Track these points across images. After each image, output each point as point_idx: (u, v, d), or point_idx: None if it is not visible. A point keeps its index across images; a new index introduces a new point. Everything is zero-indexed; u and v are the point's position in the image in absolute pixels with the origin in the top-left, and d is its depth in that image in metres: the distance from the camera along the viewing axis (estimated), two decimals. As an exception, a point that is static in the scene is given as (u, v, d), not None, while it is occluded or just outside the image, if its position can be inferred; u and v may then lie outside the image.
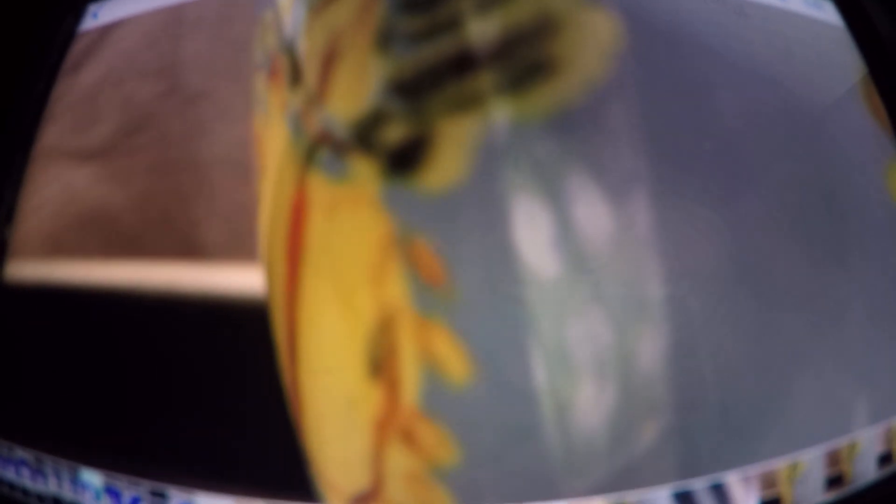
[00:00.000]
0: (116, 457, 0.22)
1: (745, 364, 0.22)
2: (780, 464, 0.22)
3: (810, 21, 0.25)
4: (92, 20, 0.26)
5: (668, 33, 0.24)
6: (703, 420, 0.22)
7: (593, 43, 0.23)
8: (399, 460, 0.22)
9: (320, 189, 0.22)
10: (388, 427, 0.21)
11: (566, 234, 0.22)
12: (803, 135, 0.24)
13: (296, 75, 0.24)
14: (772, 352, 0.22)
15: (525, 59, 0.23)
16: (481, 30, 0.23)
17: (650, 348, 0.21)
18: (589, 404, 0.21)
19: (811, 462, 0.22)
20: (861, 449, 0.23)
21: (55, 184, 0.24)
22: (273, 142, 0.23)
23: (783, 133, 0.24)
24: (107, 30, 0.26)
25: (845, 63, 0.25)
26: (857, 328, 0.23)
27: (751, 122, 0.24)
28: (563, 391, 0.21)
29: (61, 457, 0.23)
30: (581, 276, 0.22)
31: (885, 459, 0.23)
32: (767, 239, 0.23)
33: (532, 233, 0.22)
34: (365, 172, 0.22)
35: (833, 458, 0.22)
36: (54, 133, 0.25)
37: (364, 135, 0.23)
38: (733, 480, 0.22)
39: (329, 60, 0.23)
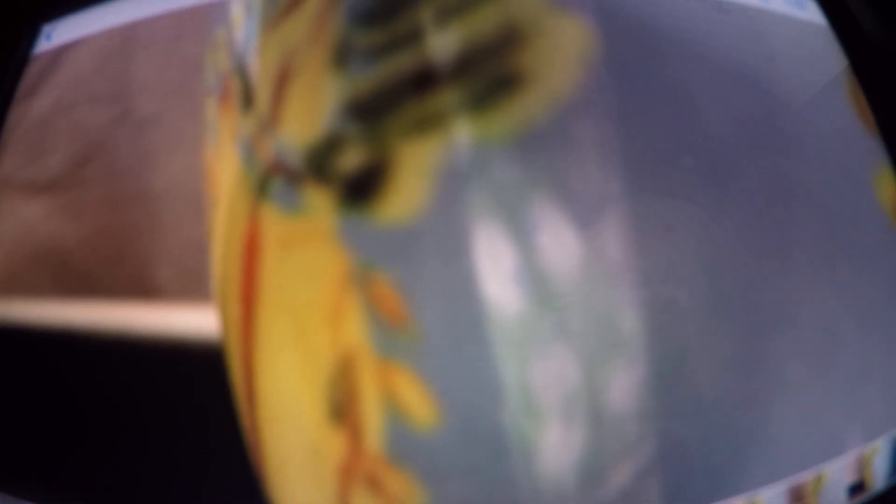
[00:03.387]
0: (63, 498, 0.21)
1: (723, 395, 0.21)
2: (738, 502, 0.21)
3: (793, 21, 0.23)
4: (46, 42, 0.25)
5: (645, 38, 0.22)
6: (677, 459, 0.20)
7: (563, 53, 0.22)
8: (366, 508, 0.20)
9: (274, 223, 0.21)
10: (353, 474, 0.20)
11: (530, 265, 0.20)
12: (788, 143, 0.22)
13: (248, 98, 0.22)
14: (751, 381, 0.21)
15: (489, 73, 0.21)
16: (442, 43, 0.22)
17: (622, 386, 0.20)
18: (556, 447, 0.20)
19: (771, 499, 0.21)
20: (828, 481, 0.21)
21: (8, 218, 0.23)
22: (224, 172, 0.22)
23: (767, 142, 0.22)
24: (60, 52, 0.24)
25: (829, 63, 0.23)
26: (843, 351, 0.21)
27: (733, 132, 0.22)
28: (528, 434, 0.20)
29: (10, 493, 0.22)
30: (546, 311, 0.20)
31: (856, 489, 0.22)
32: (751, 257, 0.21)
33: (495, 265, 0.20)
34: (320, 204, 0.21)
35: (797, 493, 0.21)
36: (8, 163, 0.24)
37: (318, 162, 0.21)
38: None
39: (282, 81, 0.22)
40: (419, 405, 0.20)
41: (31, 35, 0.25)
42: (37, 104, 0.24)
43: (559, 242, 0.20)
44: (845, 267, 0.22)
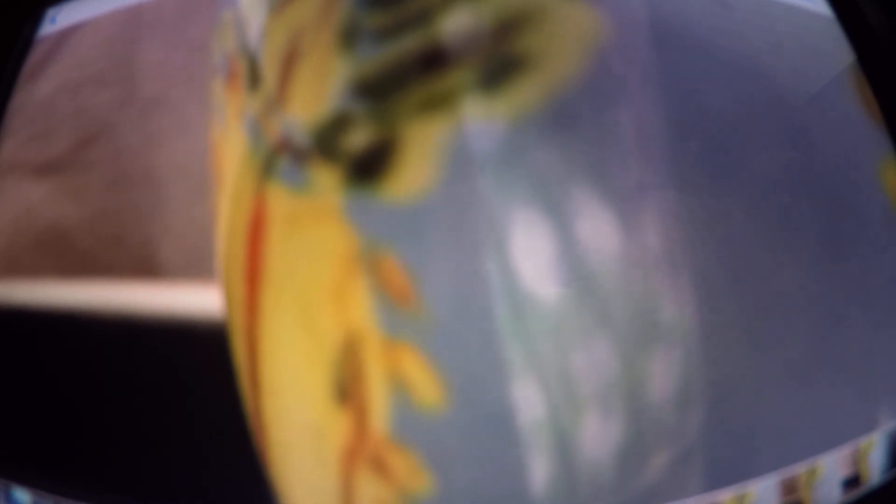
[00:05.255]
0: (65, 480, 0.21)
1: (745, 382, 0.20)
2: (725, 496, 0.20)
3: (799, 12, 0.23)
4: (50, 25, 0.25)
5: (652, 26, 0.22)
6: (708, 445, 0.20)
7: (572, 37, 0.21)
8: (370, 490, 0.20)
9: (279, 201, 0.21)
10: (358, 455, 0.20)
11: (543, 248, 0.20)
12: (795, 132, 0.22)
13: (254, 78, 0.22)
14: (769, 368, 0.21)
15: (499, 54, 0.21)
16: (452, 23, 0.22)
17: (661, 374, 0.20)
18: (594, 435, 0.20)
19: (762, 492, 0.21)
20: (822, 474, 0.21)
21: (13, 200, 0.23)
22: (230, 151, 0.22)
23: (773, 130, 0.22)
24: (64, 35, 0.24)
25: (835, 55, 0.23)
26: (845, 342, 0.21)
27: (739, 120, 0.22)
28: (565, 422, 0.20)
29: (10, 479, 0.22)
30: (561, 297, 0.20)
31: (851, 483, 0.21)
32: (764, 245, 0.21)
33: (505, 247, 0.20)
34: (327, 182, 0.21)
35: (789, 486, 0.21)
36: (13, 146, 0.24)
37: (326, 141, 0.21)
38: None
39: (289, 61, 0.22)
40: (425, 385, 0.20)
41: (35, 18, 0.25)
42: (41, 86, 0.24)
43: (585, 225, 0.20)
44: (849, 257, 0.22)
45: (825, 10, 0.24)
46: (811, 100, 0.23)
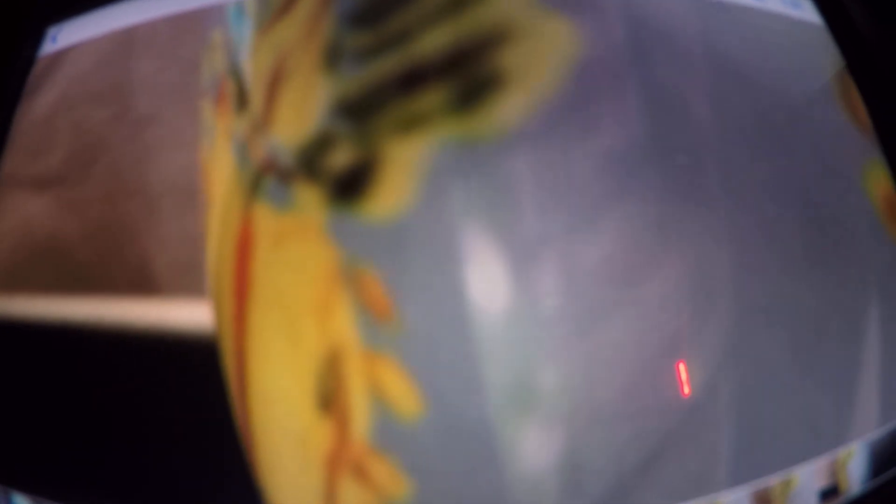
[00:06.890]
0: (62, 490, 0.22)
1: (720, 392, 0.21)
2: None
3: (789, 21, 0.24)
4: (51, 44, 0.26)
5: (632, 40, 0.22)
6: (678, 456, 0.21)
7: (550, 54, 0.22)
8: (352, 494, 0.21)
9: (266, 220, 0.22)
10: (340, 462, 0.21)
11: (517, 264, 0.21)
12: (779, 140, 0.23)
13: (241, 99, 0.23)
14: (745, 378, 0.21)
15: (476, 72, 0.22)
16: (431, 43, 0.22)
17: (605, 388, 0.21)
18: (537, 445, 0.20)
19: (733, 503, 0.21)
20: (798, 485, 0.22)
21: (13, 214, 0.24)
22: (219, 171, 0.22)
23: (757, 140, 0.23)
24: (61, 52, 0.25)
25: (821, 62, 0.24)
26: (827, 349, 0.22)
27: (722, 131, 0.22)
28: (511, 429, 0.20)
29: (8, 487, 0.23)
30: (534, 312, 0.21)
31: (829, 493, 0.22)
32: (746, 256, 0.22)
33: (481, 263, 0.21)
34: (310, 201, 0.22)
35: (762, 498, 0.21)
36: (12, 161, 0.25)
37: (309, 161, 0.22)
38: None
39: (275, 82, 0.23)
40: (404, 396, 0.21)
41: (37, 37, 0.26)
42: (39, 102, 0.25)
43: (547, 241, 0.21)
44: (832, 267, 0.22)
45: (812, 17, 0.25)
46: (796, 108, 0.23)
